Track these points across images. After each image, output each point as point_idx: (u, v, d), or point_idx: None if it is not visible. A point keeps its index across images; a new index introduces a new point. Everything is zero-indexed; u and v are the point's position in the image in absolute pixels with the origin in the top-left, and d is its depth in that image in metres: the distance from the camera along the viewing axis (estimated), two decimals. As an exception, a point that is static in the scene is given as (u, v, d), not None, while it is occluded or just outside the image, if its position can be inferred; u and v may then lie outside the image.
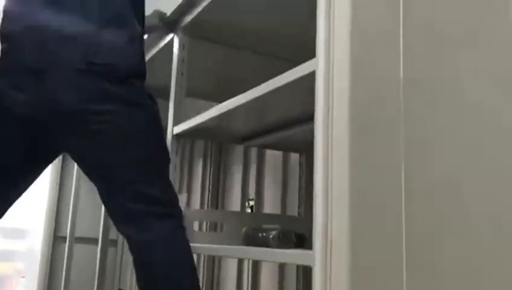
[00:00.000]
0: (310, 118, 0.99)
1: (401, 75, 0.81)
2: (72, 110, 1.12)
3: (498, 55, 0.66)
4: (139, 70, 1.21)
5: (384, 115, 0.82)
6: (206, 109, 1.46)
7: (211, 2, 1.49)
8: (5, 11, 1.22)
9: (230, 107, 1.27)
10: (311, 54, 0.95)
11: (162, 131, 1.25)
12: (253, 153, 2.30)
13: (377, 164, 0.80)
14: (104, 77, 1.13)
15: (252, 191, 2.27)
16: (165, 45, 1.79)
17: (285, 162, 2.09)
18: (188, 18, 1.61)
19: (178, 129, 1.55)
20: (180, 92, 1.67)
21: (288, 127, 1.51)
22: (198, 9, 1.55)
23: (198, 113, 1.46)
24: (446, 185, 0.69)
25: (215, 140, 2.39)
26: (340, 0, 0.90)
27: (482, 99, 0.67)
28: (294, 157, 2.02)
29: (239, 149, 2.42)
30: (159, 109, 1.24)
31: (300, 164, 1.97)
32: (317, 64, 0.91)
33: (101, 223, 2.72)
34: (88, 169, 1.20)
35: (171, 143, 1.56)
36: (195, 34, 1.70)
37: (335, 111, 0.89)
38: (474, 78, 0.68)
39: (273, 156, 2.17)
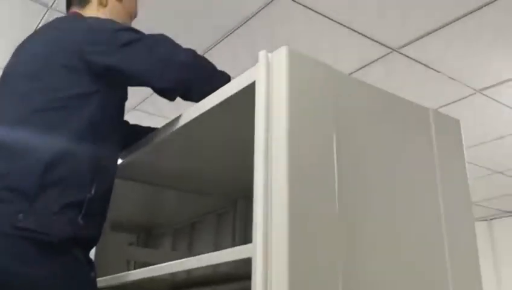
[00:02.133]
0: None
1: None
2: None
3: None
4: (77, 237, 1.10)
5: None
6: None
7: (144, 148, 1.48)
8: None
9: (161, 273, 1.20)
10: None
11: None
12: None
13: None
14: (33, 242, 1.03)
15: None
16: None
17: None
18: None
19: (102, 283, 1.44)
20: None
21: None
22: (133, 155, 1.53)
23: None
24: None
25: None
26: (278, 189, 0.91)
27: None
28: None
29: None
30: (96, 275, 1.15)
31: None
32: (255, 250, 0.88)
33: None
34: None
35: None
36: (123, 176, 1.67)
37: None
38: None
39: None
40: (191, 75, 1.24)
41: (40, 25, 2.41)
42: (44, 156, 1.10)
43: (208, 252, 1.04)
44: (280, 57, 1.00)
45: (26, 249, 1.02)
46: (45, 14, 2.33)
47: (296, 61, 1.00)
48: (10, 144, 1.13)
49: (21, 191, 1.06)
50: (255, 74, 1.03)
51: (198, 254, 1.06)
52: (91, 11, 1.40)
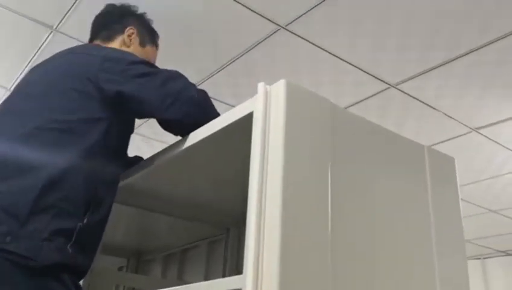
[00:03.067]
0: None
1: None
2: None
3: None
4: (65, 264, 1.07)
5: None
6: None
7: (139, 173, 1.47)
8: None
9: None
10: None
11: None
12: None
13: None
14: (19, 265, 1.01)
15: None
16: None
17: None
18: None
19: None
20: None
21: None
22: (127, 180, 1.52)
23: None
24: None
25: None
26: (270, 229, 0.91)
27: None
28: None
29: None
30: None
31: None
32: (245, 282, 0.88)
33: None
34: None
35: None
36: (116, 199, 1.66)
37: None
38: None
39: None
40: (199, 111, 1.25)
41: (43, 47, 2.43)
42: (40, 179, 1.08)
43: (198, 280, 1.04)
44: (278, 90, 1.01)
45: (11, 271, 1.01)
46: (49, 35, 2.35)
47: (293, 94, 1.02)
48: (8, 161, 1.12)
49: (13, 213, 1.04)
50: (253, 105, 1.04)
51: (189, 281, 1.04)
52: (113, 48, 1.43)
